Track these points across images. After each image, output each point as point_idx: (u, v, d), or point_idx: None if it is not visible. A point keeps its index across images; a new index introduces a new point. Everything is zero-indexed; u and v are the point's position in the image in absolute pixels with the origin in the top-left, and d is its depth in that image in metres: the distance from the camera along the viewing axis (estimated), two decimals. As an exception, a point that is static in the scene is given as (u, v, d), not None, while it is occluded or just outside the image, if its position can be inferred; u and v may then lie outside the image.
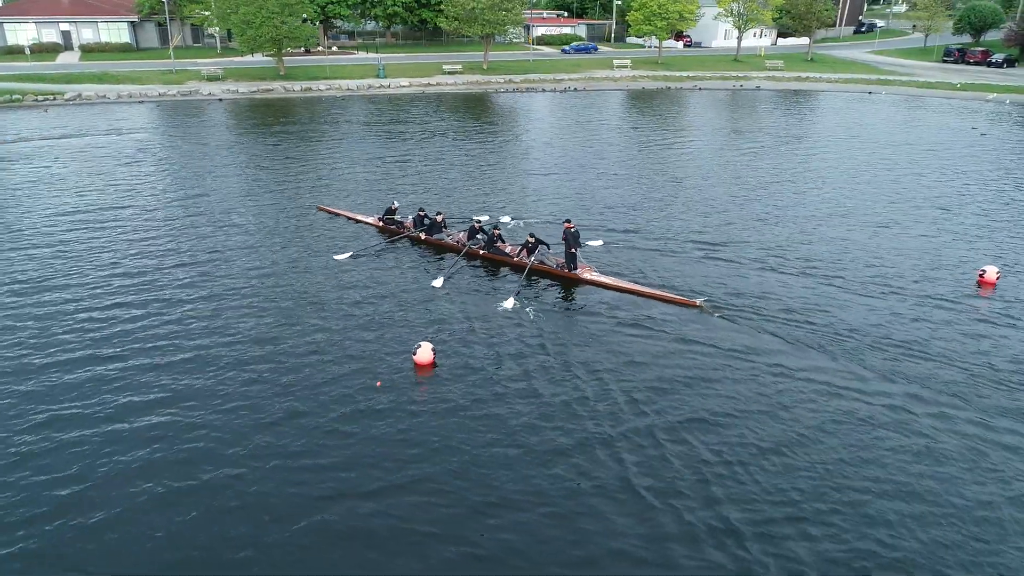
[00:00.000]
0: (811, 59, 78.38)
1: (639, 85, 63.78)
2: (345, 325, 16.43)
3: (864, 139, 40.88)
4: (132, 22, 74.17)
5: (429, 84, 60.18)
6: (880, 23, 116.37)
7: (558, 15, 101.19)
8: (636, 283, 18.61)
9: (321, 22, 78.36)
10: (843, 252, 21.62)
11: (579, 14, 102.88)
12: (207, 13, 65.77)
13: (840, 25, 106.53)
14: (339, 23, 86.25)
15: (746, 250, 21.67)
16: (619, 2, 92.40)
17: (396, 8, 78.80)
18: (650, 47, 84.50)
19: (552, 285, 19.00)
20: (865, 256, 21.28)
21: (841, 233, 23.50)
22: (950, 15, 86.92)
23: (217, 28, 68.71)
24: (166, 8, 68.79)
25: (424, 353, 14.51)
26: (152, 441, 12.04)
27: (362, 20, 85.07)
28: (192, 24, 76.83)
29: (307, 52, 72.67)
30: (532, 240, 19.56)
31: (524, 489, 10.98)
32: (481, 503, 10.69)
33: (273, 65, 60.98)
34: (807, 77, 67.22)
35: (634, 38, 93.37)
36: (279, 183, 29.22)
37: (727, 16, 75.13)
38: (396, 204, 23.10)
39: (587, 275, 18.99)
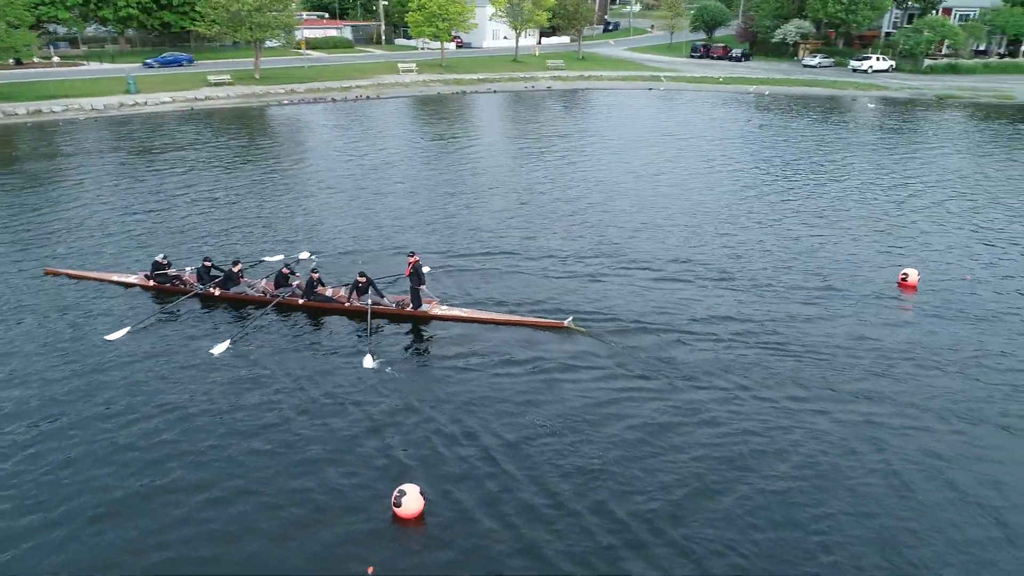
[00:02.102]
0: (582, 58, 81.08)
1: (433, 90, 60.62)
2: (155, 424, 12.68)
3: (669, 135, 42.16)
4: None
5: (196, 99, 51.44)
6: (620, 22, 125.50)
7: (320, 16, 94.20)
8: (494, 311, 17.21)
9: (32, 27, 63.98)
10: (694, 250, 22.34)
11: (341, 15, 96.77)
12: None
13: (591, 24, 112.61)
14: (53, 28, 71.46)
15: (589, 259, 21.40)
16: (385, 3, 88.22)
17: (131, 9, 66.98)
18: (423, 48, 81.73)
19: (399, 330, 16.81)
20: (714, 251, 22.15)
21: (685, 232, 24.17)
22: (690, 14, 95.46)
23: None
24: None
25: (412, 502, 10.52)
26: None
27: (85, 24, 71.36)
28: None
29: (19, 64, 58.83)
30: (363, 280, 17.00)
31: None
32: None
33: (-22, 83, 48.01)
34: (590, 76, 68.96)
35: (404, 40, 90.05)
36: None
37: (503, 17, 74.79)
38: (164, 256, 18.71)
39: (437, 311, 17.11)
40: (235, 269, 17.80)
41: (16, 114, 44.28)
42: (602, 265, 20.92)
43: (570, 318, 16.59)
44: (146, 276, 18.59)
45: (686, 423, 13.24)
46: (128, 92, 50.61)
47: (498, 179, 31.55)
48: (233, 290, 17.77)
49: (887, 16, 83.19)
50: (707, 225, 25.08)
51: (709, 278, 20.05)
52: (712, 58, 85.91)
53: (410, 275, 16.79)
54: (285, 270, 17.76)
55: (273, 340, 16.18)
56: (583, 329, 16.38)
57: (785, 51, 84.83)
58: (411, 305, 17.02)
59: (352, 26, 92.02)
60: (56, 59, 66.05)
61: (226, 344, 15.53)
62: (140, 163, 33.21)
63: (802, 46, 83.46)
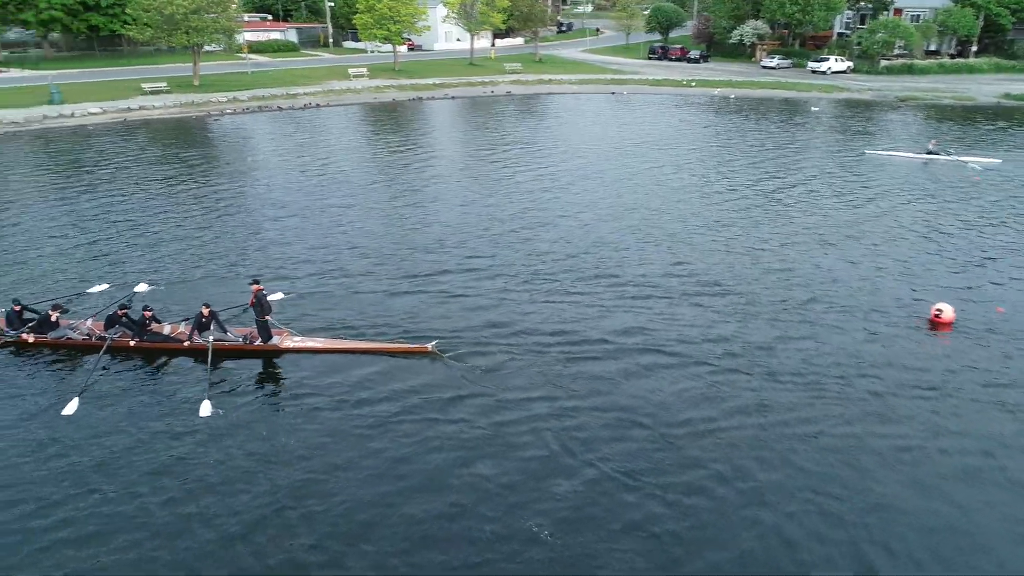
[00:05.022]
0: (540, 60, 78.85)
1: (387, 96, 57.39)
2: None
3: (638, 142, 40.21)
4: None
5: (129, 109, 47.25)
6: (574, 23, 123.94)
7: (262, 18, 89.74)
8: (351, 339, 15.79)
9: (-58, 31, 58.67)
10: (646, 266, 20.18)
11: (285, 17, 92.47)
12: None
13: (546, 25, 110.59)
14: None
15: (503, 273, 20.21)
16: (331, 4, 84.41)
17: (54, 12, 61.90)
18: (373, 51, 78.30)
19: (245, 368, 15.02)
20: (662, 268, 18.85)
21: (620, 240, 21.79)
22: (645, 15, 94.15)
23: None
24: None
25: None
26: None
27: (4, 27, 65.83)
28: None
29: (-72, 72, 53.53)
30: (207, 313, 15.22)
31: None
32: None
33: None
34: (550, 80, 66.69)
35: (352, 43, 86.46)
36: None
37: (456, 18, 71.98)
38: None
39: (288, 343, 15.48)
40: (52, 315, 15.46)
41: (-80, 130, 39.61)
42: (538, 285, 19.37)
43: (434, 342, 15.38)
44: None
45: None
46: (51, 103, 46.12)
47: (443, 193, 29.32)
48: (52, 335, 15.43)
49: (839, 17, 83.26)
50: (660, 240, 23.55)
51: (661, 295, 18.41)
52: (670, 59, 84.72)
53: (253, 306, 15.20)
54: (120, 311, 15.48)
55: (102, 391, 13.99)
56: (446, 354, 15.33)
57: (742, 52, 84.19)
58: (259, 339, 15.32)
59: (297, 28, 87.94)
60: (-29, 66, 60.63)
61: (74, 403, 13.26)
62: (55, 183, 29.45)
63: (759, 47, 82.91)
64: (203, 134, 42.77)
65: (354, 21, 69.77)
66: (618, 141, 40.79)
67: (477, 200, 28.31)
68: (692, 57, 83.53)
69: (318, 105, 53.09)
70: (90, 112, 45.48)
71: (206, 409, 13.15)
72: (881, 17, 77.95)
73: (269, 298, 17.09)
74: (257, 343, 15.35)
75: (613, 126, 46.33)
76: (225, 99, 51.67)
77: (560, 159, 35.91)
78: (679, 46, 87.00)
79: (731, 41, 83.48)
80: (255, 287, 15.20)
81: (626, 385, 14.57)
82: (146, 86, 51.98)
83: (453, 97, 58.76)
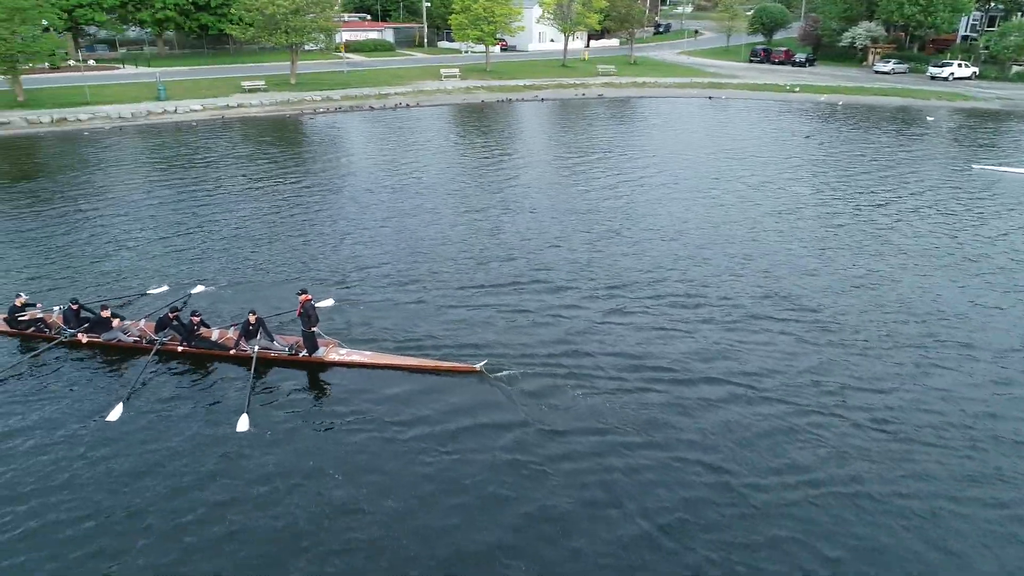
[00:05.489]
0: (634, 62, 76.78)
1: (476, 97, 57.06)
2: None
3: (733, 151, 37.86)
4: None
5: (228, 107, 48.80)
6: (672, 24, 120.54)
7: (361, 18, 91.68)
8: (399, 354, 15.15)
9: (69, 30, 62.54)
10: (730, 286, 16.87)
11: (383, 17, 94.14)
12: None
13: (643, 27, 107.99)
14: (93, 31, 70.03)
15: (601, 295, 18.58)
16: (428, 4, 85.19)
17: (167, 11, 65.08)
18: (466, 52, 78.37)
19: (288, 380, 14.55)
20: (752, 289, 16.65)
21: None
22: (748, 16, 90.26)
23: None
24: None
25: None
26: None
27: (124, 27, 69.76)
28: None
29: (54, 69, 57.13)
30: (254, 320, 14.84)
31: None
32: None
33: (7, 89, 45.97)
34: (644, 83, 64.65)
35: (447, 43, 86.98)
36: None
37: (551, 19, 70.96)
38: (23, 296, 16.28)
39: (334, 356, 14.99)
40: (104, 314, 15.53)
41: (40, 122, 42.07)
42: (623, 299, 17.77)
43: (483, 362, 14.62)
44: (3, 318, 16.16)
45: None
46: (158, 99, 48.21)
47: (522, 199, 28.14)
48: (104, 336, 15.47)
49: (965, 19, 76.94)
50: (754, 258, 21.57)
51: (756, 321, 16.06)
52: (773, 63, 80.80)
53: (301, 316, 14.71)
54: (171, 313, 15.36)
55: (146, 397, 13.85)
56: (495, 374, 14.43)
57: (852, 55, 79.21)
58: (305, 350, 14.90)
59: (394, 28, 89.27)
60: (91, 63, 64.49)
61: (119, 409, 13.16)
62: (147, 178, 30.35)
63: (871, 50, 77.75)
64: (294, 133, 43.56)
65: (449, 21, 69.94)
66: (712, 149, 38.68)
67: (556, 208, 27.17)
68: (797, 60, 79.31)
69: (408, 105, 53.28)
70: (191, 109, 47.23)
71: (244, 424, 12.74)
72: (1014, 19, 71.40)
73: (320, 304, 16.80)
74: (303, 354, 14.98)
75: (708, 133, 44.11)
76: (319, 98, 52.62)
77: (648, 167, 34.25)
78: (783, 49, 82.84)
79: (841, 44, 78.66)
80: (303, 297, 14.79)
81: (696, 423, 13.14)
82: (245, 84, 53.66)
83: (543, 99, 57.77)
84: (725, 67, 76.86)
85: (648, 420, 13.23)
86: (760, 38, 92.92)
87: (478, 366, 14.54)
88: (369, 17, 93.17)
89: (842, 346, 16.21)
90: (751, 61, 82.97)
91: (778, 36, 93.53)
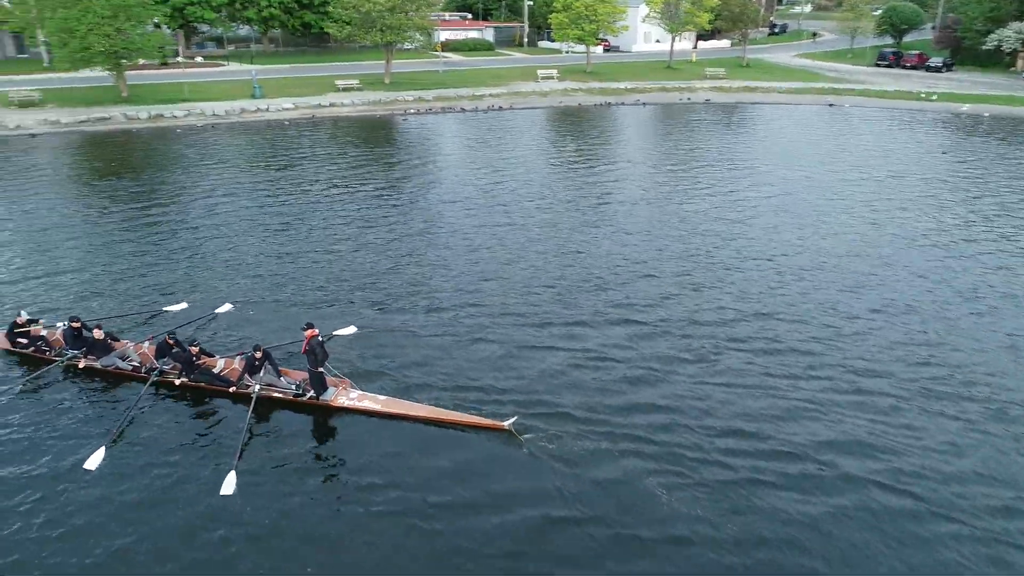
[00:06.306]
0: (746, 65, 71.63)
1: (574, 100, 54.20)
2: None
3: (857, 167, 33.50)
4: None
5: (320, 106, 48.10)
6: (788, 24, 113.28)
7: (462, 17, 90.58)
8: (416, 402, 13.21)
9: (181, 27, 64.22)
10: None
11: (484, 16, 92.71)
12: (29, 15, 50.06)
13: (757, 27, 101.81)
14: (204, 28, 71.93)
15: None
16: (530, 3, 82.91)
17: (272, 10, 65.74)
18: (567, 52, 75.46)
19: (290, 424, 12.93)
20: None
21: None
22: (876, 16, 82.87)
23: (43, 35, 53.17)
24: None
25: None
26: None
27: (232, 24, 71.22)
28: (13, 31, 60.83)
29: (163, 65, 58.58)
30: (260, 355, 13.30)
31: None
32: None
33: (112, 84, 46.99)
34: (756, 87, 59.80)
35: (547, 43, 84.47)
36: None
37: (658, 18, 67.04)
38: (24, 315, 15.16)
39: (343, 399, 13.21)
40: (97, 334, 14.20)
41: (138, 118, 42.54)
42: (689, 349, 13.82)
43: (513, 419, 12.57)
44: (5, 335, 15.15)
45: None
46: (253, 97, 48.12)
47: (611, 217, 25.01)
48: (102, 362, 14.23)
49: None
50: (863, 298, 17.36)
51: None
52: (904, 67, 73.53)
53: (306, 353, 13.11)
54: (169, 339, 13.94)
55: (132, 439, 12.40)
56: (525, 435, 12.40)
57: (998, 60, 70.86)
58: (311, 391, 13.27)
59: (495, 27, 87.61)
60: (199, 59, 66.08)
61: (99, 454, 11.73)
62: (226, 181, 29.33)
63: (1021, 55, 69.23)
64: (381, 134, 42.17)
65: (549, 20, 67.36)
66: (831, 164, 34.31)
67: (648, 229, 24.10)
68: (932, 65, 71.78)
69: (501, 107, 51.08)
70: (283, 107, 46.79)
71: (229, 485, 11.10)
72: None
73: (341, 332, 15.54)
74: (309, 395, 13.31)
75: (827, 145, 39.49)
76: (411, 98, 51.23)
77: (757, 183, 30.46)
78: (916, 52, 75.26)
79: (985, 47, 70.48)
80: (308, 332, 13.13)
81: (781, 531, 10.18)
82: (340, 83, 53.01)
83: (644, 103, 54.16)
84: (848, 71, 70.48)
85: (731, 521, 10.18)
86: (888, 40, 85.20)
87: (506, 424, 12.53)
88: (470, 16, 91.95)
89: (1012, 436, 12.44)
90: (878, 65, 75.90)
91: (909, 38, 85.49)
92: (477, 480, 11.51)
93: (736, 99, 56.39)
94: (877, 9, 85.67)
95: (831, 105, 53.66)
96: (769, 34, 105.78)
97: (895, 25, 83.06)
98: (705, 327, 16.73)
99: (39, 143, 37.04)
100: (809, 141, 40.95)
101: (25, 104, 43.33)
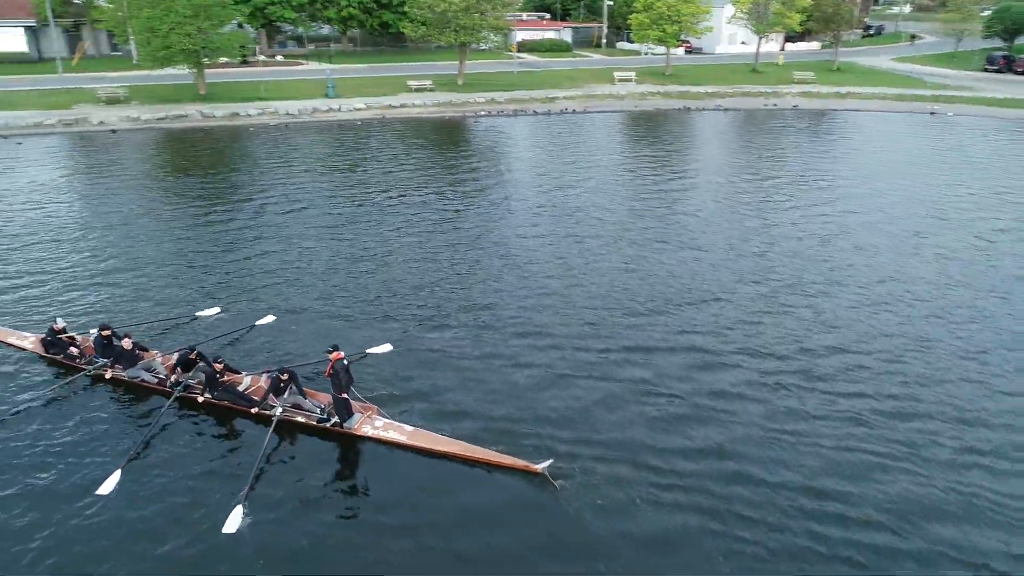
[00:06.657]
0: (838, 69, 67.56)
1: (651, 104, 52.10)
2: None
3: (961, 184, 30.48)
4: (30, 26, 60.69)
5: (391, 106, 47.78)
6: (884, 25, 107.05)
7: (540, 18, 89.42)
8: (446, 435, 12.15)
9: (263, 26, 65.58)
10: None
11: (563, 16, 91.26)
12: (120, 13, 51.88)
13: (851, 28, 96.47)
14: (286, 28, 73.34)
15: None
16: (610, 3, 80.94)
17: (351, 9, 66.26)
18: (646, 53, 73.16)
19: (310, 451, 12.13)
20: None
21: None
22: (984, 17, 76.94)
23: (132, 34, 55.14)
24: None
25: None
26: None
27: (312, 24, 72.30)
28: (107, 30, 63.44)
29: (244, 64, 59.81)
30: (286, 376, 12.69)
31: None
32: None
33: (192, 82, 48.05)
34: (848, 93, 56.11)
35: (626, 44, 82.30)
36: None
37: (744, 19, 63.96)
38: (61, 322, 14.94)
39: (367, 428, 12.34)
40: (126, 344, 13.81)
41: (213, 116, 43.21)
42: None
43: (547, 462, 11.39)
44: (40, 340, 14.98)
45: None
46: (327, 96, 48.29)
47: (681, 234, 23.01)
48: (128, 372, 13.84)
49: None
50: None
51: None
52: (1016, 72, 67.85)
53: (331, 377, 12.36)
54: (191, 353, 13.50)
55: (149, 460, 11.81)
56: (559, 480, 11.23)
57: None
58: (335, 417, 12.48)
59: (573, 28, 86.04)
60: (279, 58, 67.29)
61: (116, 477, 11.22)
62: (289, 181, 29.00)
63: None
64: (449, 136, 41.38)
65: (629, 21, 65.33)
66: (933, 179, 31.31)
67: (723, 246, 22.19)
68: (1049, 71, 65.92)
69: (574, 111, 49.52)
70: (355, 107, 46.68)
71: (234, 521, 10.31)
72: None
73: (375, 350, 14.87)
74: (333, 421, 12.52)
75: (928, 159, 36.22)
76: (483, 100, 50.34)
77: (847, 199, 27.93)
78: (1031, 56, 69.35)
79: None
80: (333, 355, 12.42)
81: None
82: (412, 83, 52.67)
83: (725, 109, 51.55)
84: (952, 77, 65.49)
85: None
86: (998, 43, 78.95)
87: (539, 467, 11.39)
88: (548, 16, 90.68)
89: None
90: (986, 70, 70.31)
91: (1022, 40, 78.95)
92: (505, 529, 10.47)
93: (827, 105, 52.96)
94: (986, 9, 79.62)
95: (932, 113, 49.66)
96: (863, 36, 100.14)
97: (1007, 27, 76.85)
98: (782, 360, 14.91)
99: (119, 139, 37.97)
100: (908, 152, 37.72)
101: (111, 101, 44.71)
